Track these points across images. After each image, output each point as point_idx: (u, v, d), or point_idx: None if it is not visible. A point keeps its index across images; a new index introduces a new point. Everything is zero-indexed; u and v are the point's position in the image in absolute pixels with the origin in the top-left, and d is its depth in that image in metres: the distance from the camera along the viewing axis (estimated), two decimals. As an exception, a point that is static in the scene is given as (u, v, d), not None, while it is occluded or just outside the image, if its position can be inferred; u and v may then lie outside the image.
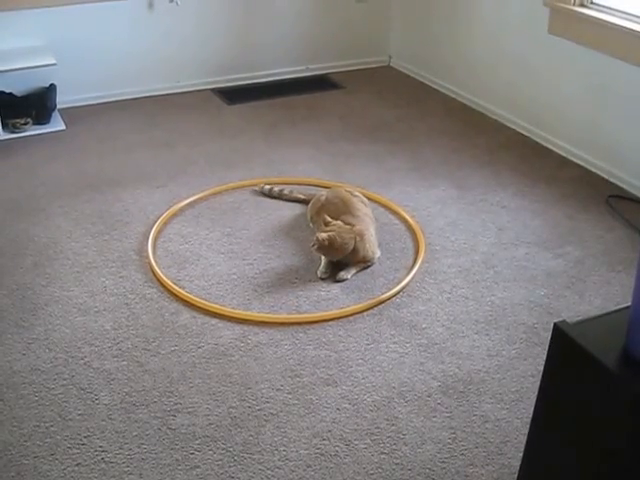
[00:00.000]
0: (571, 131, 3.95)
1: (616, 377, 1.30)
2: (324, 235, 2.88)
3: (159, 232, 3.20)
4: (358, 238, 2.94)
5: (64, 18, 4.19)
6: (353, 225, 3.00)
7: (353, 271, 2.97)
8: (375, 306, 2.79)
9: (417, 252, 3.11)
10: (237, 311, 2.73)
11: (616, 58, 3.58)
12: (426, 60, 4.94)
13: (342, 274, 2.94)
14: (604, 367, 1.31)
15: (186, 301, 2.78)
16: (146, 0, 4.39)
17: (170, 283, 2.85)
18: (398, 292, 2.86)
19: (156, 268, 2.93)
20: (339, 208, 3.13)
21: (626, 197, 3.58)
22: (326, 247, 2.89)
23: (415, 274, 2.96)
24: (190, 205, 3.43)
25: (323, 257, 2.99)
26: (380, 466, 2.14)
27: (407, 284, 2.91)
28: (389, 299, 2.82)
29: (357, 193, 3.30)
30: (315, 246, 2.91)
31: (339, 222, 2.99)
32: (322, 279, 2.94)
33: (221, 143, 4.06)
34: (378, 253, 3.05)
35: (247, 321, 2.69)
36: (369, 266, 3.01)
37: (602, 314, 1.47)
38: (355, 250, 2.94)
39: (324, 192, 3.31)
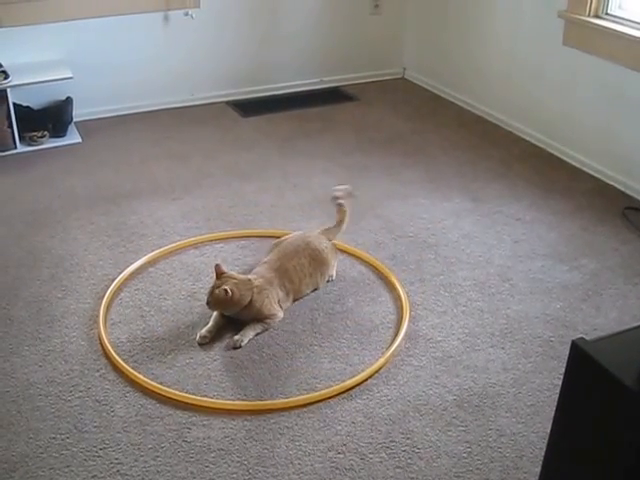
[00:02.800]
0: (586, 143, 3.94)
1: (635, 395, 1.29)
2: (225, 287, 2.59)
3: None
4: (256, 290, 2.67)
5: (80, 32, 4.23)
6: (254, 278, 2.73)
7: (251, 334, 2.65)
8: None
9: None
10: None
11: (631, 69, 3.57)
12: (440, 72, 4.95)
13: (237, 338, 2.62)
14: (622, 384, 1.30)
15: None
16: (162, 14, 4.42)
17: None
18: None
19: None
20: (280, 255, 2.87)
21: (642, 209, 3.57)
22: (224, 301, 2.62)
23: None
24: (207, 219, 3.45)
25: (214, 314, 2.71)
26: (395, 480, 2.13)
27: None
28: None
29: (322, 245, 2.94)
30: (210, 302, 2.65)
31: (234, 274, 2.71)
32: (201, 344, 2.62)
33: (236, 155, 4.08)
34: (279, 314, 2.75)
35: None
36: (267, 329, 2.70)
37: (620, 331, 1.46)
38: (251, 303, 2.66)
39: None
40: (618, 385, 1.30)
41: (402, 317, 2.78)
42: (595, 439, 1.42)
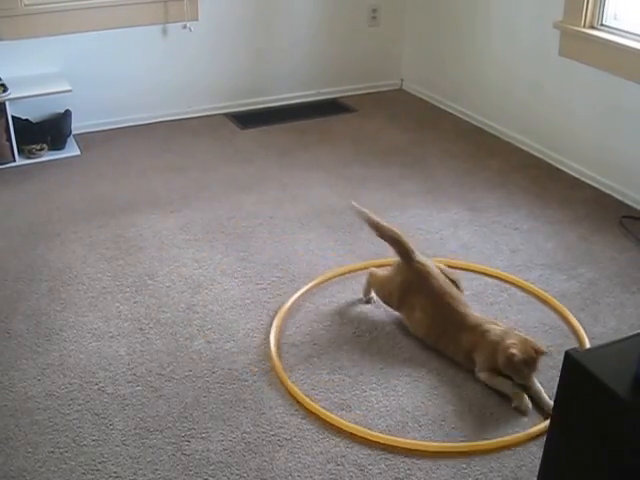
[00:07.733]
0: (584, 152, 3.95)
1: (627, 405, 1.29)
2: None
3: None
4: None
5: (79, 45, 4.24)
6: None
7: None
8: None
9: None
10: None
11: (627, 79, 3.58)
12: (438, 83, 4.96)
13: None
14: (615, 395, 1.30)
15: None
16: (160, 26, 4.44)
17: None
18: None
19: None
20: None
21: (639, 218, 3.57)
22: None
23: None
24: (205, 231, 3.45)
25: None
26: (394, 492, 2.13)
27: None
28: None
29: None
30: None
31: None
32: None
33: (234, 167, 4.09)
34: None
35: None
36: None
37: (614, 341, 1.46)
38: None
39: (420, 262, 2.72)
40: (611, 395, 1.31)
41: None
42: (589, 448, 1.42)
